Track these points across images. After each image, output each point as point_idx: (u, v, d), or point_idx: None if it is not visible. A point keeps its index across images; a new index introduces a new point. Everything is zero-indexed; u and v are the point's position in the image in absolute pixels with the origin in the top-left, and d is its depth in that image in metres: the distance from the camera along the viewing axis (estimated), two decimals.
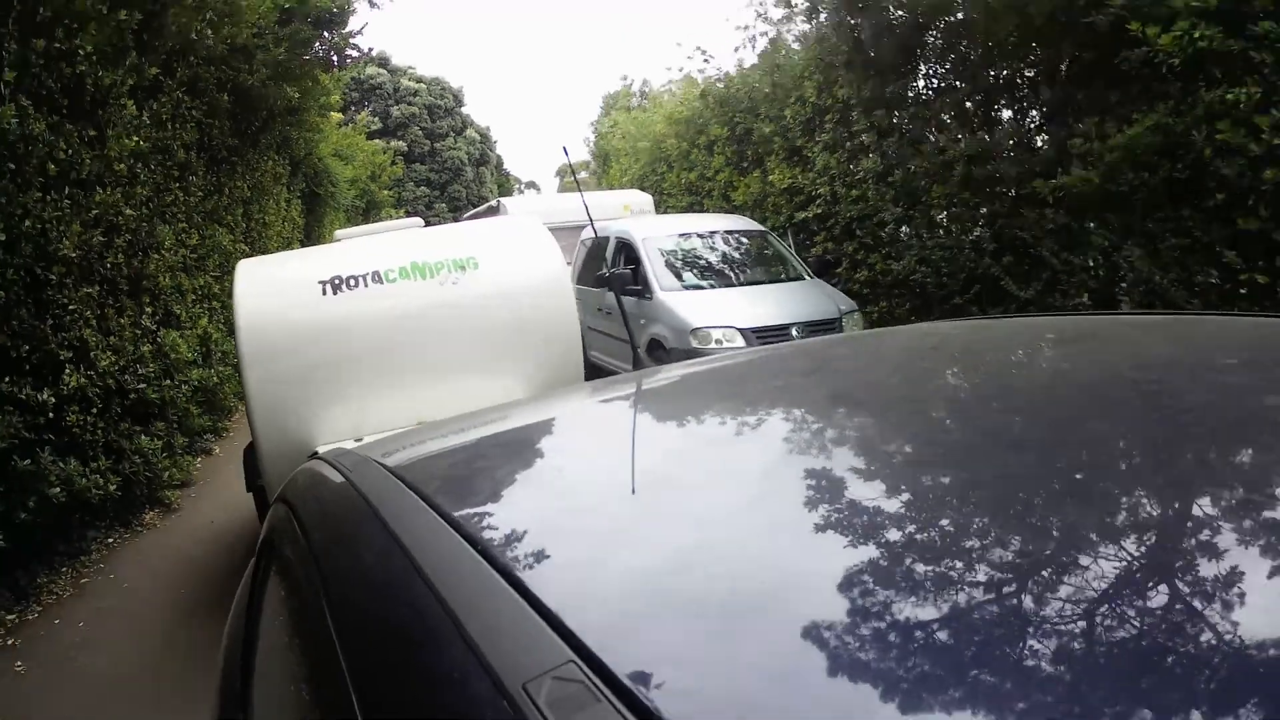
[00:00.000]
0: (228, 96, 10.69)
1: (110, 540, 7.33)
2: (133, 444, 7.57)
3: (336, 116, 21.02)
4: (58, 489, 6.16)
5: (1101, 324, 2.07)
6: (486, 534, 1.11)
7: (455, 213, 43.54)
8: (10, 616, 5.92)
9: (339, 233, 7.67)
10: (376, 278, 5.95)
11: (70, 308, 6.67)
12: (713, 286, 9.85)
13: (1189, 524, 0.93)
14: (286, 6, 11.54)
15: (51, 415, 6.24)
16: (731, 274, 10.15)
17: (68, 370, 6.51)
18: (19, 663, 5.35)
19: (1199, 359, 1.58)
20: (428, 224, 7.94)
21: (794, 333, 8.75)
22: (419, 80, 47.91)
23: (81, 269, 6.91)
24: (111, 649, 5.50)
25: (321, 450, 1.80)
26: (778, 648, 0.80)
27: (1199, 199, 6.86)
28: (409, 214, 39.14)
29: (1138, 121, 7.00)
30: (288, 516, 1.62)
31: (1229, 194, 6.58)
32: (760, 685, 0.75)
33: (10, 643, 5.62)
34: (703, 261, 10.27)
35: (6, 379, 5.84)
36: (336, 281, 5.93)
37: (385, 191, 32.29)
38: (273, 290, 6.04)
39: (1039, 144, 8.35)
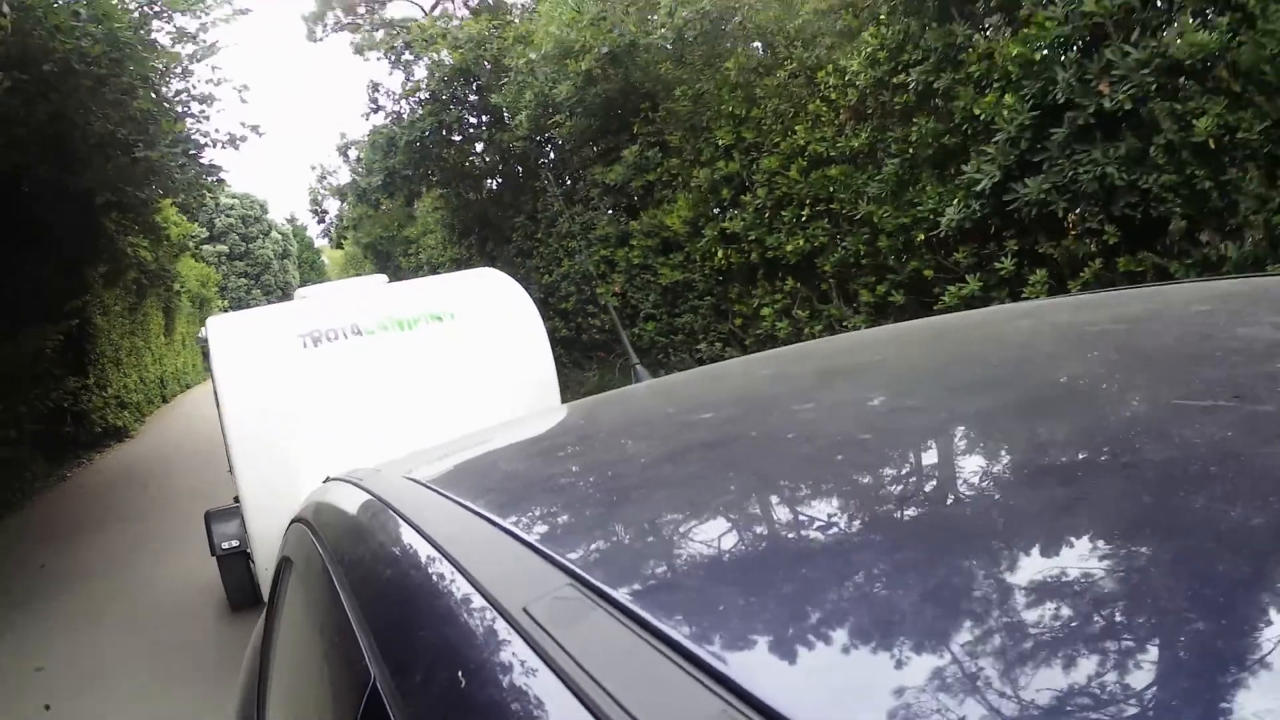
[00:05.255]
0: (134, 287, 27.10)
1: (114, 444, 22.88)
2: (120, 415, 23.95)
3: (186, 262, 35.76)
4: (110, 423, 22.48)
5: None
6: (498, 510, 1.15)
7: (268, 296, 58.52)
8: (91, 457, 21.08)
9: (300, 290, 7.95)
10: (356, 330, 6.02)
11: (107, 369, 23.14)
12: None
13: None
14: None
15: (106, 400, 22.70)
16: None
17: (109, 388, 23.04)
18: (94, 463, 21.58)
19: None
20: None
21: None
22: (233, 196, 63.03)
23: (110, 359, 23.43)
24: (116, 470, 18.18)
25: (333, 475, 1.83)
26: (758, 565, 0.88)
27: None
28: (232, 302, 54.25)
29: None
30: (304, 532, 1.65)
31: None
32: (740, 594, 0.80)
33: (93, 461, 21.43)
34: None
35: (98, 389, 22.23)
36: (316, 335, 5.97)
37: (213, 290, 47.99)
38: (251, 346, 6.10)
39: None
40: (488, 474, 1.60)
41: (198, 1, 11.59)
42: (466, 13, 19.72)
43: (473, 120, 17.35)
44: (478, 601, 0.87)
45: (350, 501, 1.51)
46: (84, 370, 20.11)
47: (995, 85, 6.96)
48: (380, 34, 18.92)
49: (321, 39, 28.91)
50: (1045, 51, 6.61)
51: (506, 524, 1.06)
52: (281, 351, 5.96)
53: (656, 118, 11.84)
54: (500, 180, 17.84)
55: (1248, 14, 5.57)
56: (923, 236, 7.85)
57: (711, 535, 0.97)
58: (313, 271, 68.77)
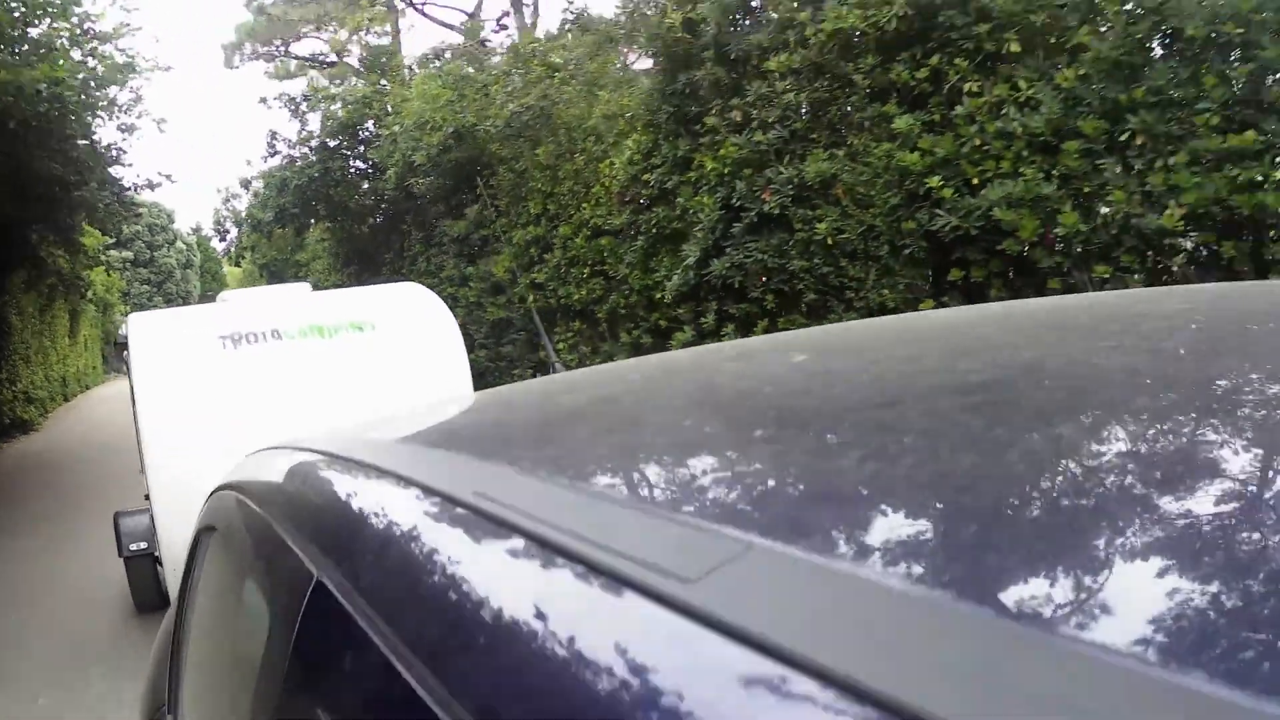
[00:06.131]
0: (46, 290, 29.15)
1: (20, 436, 24.56)
2: (27, 410, 25.98)
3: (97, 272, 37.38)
4: (17, 415, 24.49)
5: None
6: (435, 441, 1.29)
7: (169, 304, 59.59)
8: None
9: (224, 294, 8.13)
10: (275, 334, 6.12)
11: (18, 366, 25.17)
12: None
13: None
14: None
15: (15, 394, 24.80)
16: None
17: (18, 384, 25.10)
18: (2, 450, 23.72)
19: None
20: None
21: None
22: (141, 205, 64.49)
23: (21, 356, 25.41)
24: (24, 457, 23.25)
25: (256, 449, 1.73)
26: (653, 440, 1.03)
27: None
28: (135, 307, 55.46)
29: None
30: (229, 495, 1.61)
31: None
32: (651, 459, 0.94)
33: (2, 449, 23.60)
34: None
35: (9, 384, 24.23)
36: (236, 336, 6.03)
37: (116, 295, 49.63)
38: (171, 343, 6.13)
39: None
40: (422, 425, 1.54)
41: (131, 74, 14.17)
42: (357, 64, 22.41)
43: (357, 165, 20.13)
44: (424, 494, 0.91)
45: (279, 456, 1.50)
46: None
47: (703, 189, 9.75)
48: (283, 89, 21.53)
49: (238, 66, 31.13)
50: (729, 168, 9.20)
51: (446, 448, 1.18)
52: (201, 351, 6.01)
53: (493, 183, 14.69)
54: (380, 219, 20.51)
55: (853, 151, 8.18)
56: (659, 295, 10.65)
57: (620, 431, 1.13)
58: (215, 282, 69.57)
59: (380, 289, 7.80)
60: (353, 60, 24.10)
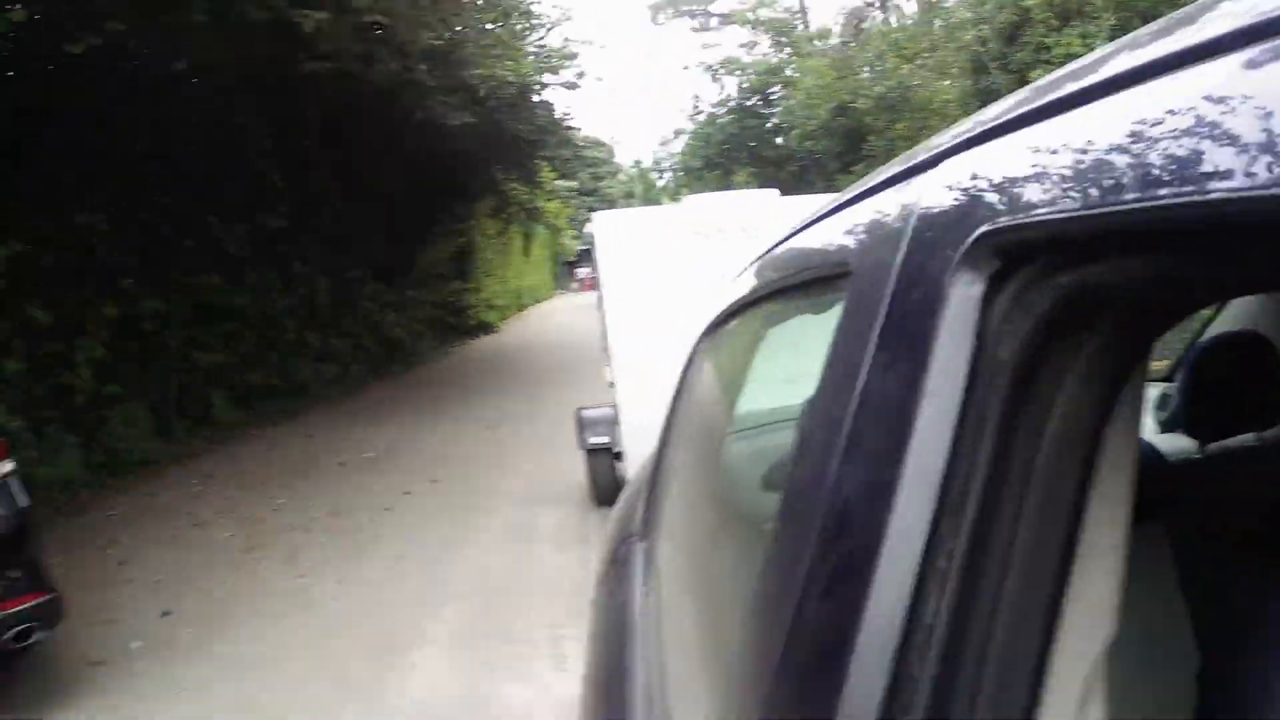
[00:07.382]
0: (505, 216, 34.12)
1: (483, 335, 29.14)
2: (489, 315, 30.91)
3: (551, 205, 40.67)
4: (481, 319, 29.41)
5: None
6: None
7: None
8: (465, 342, 27.86)
9: (689, 198, 8.13)
10: (744, 230, 6.01)
11: (481, 278, 30.31)
12: None
13: None
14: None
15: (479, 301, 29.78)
16: None
17: (482, 293, 30.12)
18: (468, 346, 28.57)
19: None
20: None
21: None
22: (585, 139, 70.04)
23: (484, 270, 30.48)
24: (489, 351, 27.21)
25: None
26: None
27: None
28: (578, 235, 60.35)
29: None
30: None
31: None
32: None
33: (467, 345, 28.14)
34: None
35: (474, 292, 29.19)
36: (706, 232, 6.08)
37: (564, 221, 55.26)
38: (639, 238, 6.21)
39: None
40: None
41: (573, 58, 18.26)
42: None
43: (772, 122, 23.56)
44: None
45: None
46: (465, 277, 26.79)
47: None
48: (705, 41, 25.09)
49: (662, 24, 35.35)
50: None
51: None
52: (671, 245, 6.08)
53: (871, 149, 17.52)
54: (794, 166, 23.84)
55: None
56: None
57: None
58: None
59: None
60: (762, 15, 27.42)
